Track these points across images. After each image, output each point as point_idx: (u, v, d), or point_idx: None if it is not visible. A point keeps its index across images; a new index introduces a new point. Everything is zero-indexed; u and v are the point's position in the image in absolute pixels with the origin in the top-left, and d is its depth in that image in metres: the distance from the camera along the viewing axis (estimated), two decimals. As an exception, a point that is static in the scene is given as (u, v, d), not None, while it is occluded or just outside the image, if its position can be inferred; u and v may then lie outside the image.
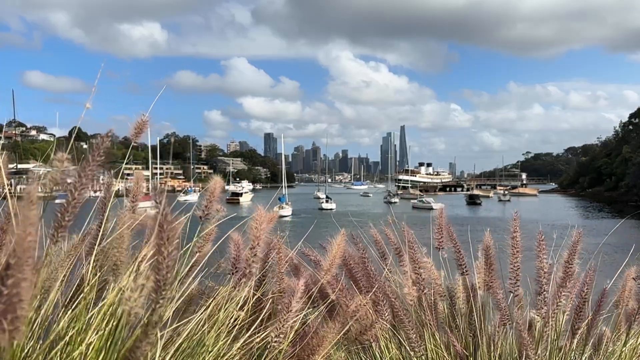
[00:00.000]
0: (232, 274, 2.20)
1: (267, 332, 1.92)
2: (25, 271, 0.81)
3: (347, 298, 2.46)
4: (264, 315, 2.20)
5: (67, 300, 1.80)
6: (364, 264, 2.65)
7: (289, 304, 1.84)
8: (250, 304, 2.09)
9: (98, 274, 1.87)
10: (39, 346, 1.58)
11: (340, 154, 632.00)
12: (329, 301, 2.46)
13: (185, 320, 1.85)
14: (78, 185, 1.39)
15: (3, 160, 1.79)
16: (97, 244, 1.93)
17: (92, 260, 1.87)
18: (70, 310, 1.73)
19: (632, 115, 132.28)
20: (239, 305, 2.03)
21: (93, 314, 1.70)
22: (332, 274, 2.51)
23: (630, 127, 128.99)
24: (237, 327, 1.96)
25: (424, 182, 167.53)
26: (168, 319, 1.81)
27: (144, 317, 1.14)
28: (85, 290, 1.79)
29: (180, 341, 1.80)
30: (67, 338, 1.62)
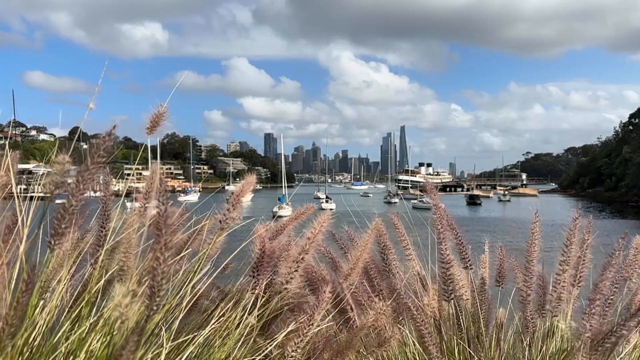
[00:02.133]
0: (254, 276, 2.13)
1: (275, 338, 1.88)
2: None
3: (366, 303, 2.28)
4: (272, 320, 2.15)
5: (71, 302, 1.79)
6: (386, 263, 2.46)
7: (312, 315, 1.74)
8: (258, 306, 2.03)
9: (102, 279, 1.85)
10: (42, 347, 1.57)
11: (341, 154, 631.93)
12: (345, 308, 2.32)
13: (192, 336, 1.82)
14: (76, 190, 1.34)
15: (12, 158, 1.77)
16: (102, 246, 1.90)
17: (98, 265, 1.85)
18: (74, 314, 1.72)
19: (632, 116, 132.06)
20: (248, 310, 1.98)
21: (96, 318, 1.68)
22: (352, 280, 2.30)
23: (630, 127, 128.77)
24: (245, 333, 1.92)
25: (424, 182, 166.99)
26: (177, 320, 1.79)
27: (139, 324, 1.11)
28: (89, 293, 1.78)
29: (189, 352, 1.78)
30: (69, 341, 1.62)
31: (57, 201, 1.47)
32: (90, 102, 1.91)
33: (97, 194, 2.03)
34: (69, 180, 1.38)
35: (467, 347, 2.36)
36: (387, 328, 1.94)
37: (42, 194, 1.75)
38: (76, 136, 2.12)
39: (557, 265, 2.27)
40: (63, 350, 1.58)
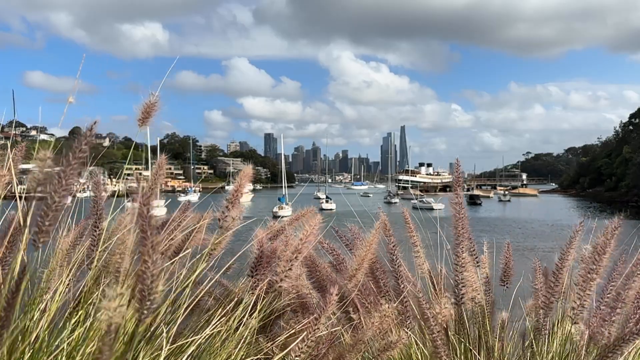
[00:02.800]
0: (252, 276, 2.11)
1: (277, 339, 1.86)
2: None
3: (371, 306, 2.25)
4: (274, 320, 2.12)
5: (73, 303, 1.79)
6: (395, 264, 2.40)
7: (318, 317, 1.71)
8: (259, 307, 2.01)
9: (99, 280, 1.84)
10: (43, 347, 1.57)
11: (341, 154, 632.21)
12: (350, 309, 2.29)
13: (191, 339, 1.81)
14: (59, 186, 1.29)
15: (18, 152, 1.76)
16: (96, 247, 1.89)
17: (94, 266, 1.84)
18: (74, 316, 1.71)
19: (632, 116, 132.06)
20: (249, 311, 1.97)
21: (92, 322, 1.68)
22: (357, 280, 2.26)
23: (631, 127, 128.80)
24: (246, 335, 1.90)
25: (424, 183, 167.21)
26: (178, 318, 1.78)
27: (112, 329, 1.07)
28: (86, 294, 1.77)
29: (188, 355, 1.77)
30: (70, 340, 1.61)
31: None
32: (69, 97, 1.87)
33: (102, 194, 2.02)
34: (52, 180, 1.32)
35: (470, 348, 2.35)
36: (393, 331, 1.90)
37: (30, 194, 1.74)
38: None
39: (586, 272, 2.18)
40: (65, 348, 1.58)
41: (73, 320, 1.71)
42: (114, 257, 1.86)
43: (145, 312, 1.10)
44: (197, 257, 2.06)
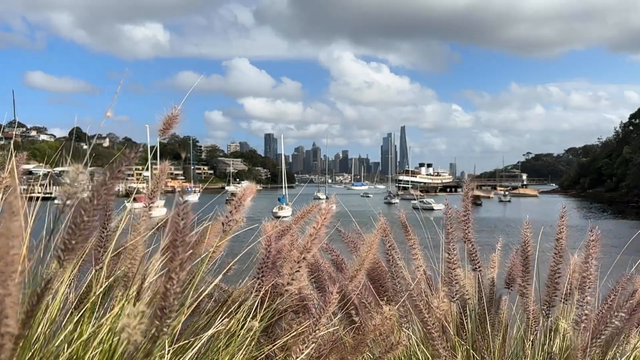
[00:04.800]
0: (258, 277, 2.06)
1: (278, 339, 1.85)
2: (9, 286, 0.76)
3: (371, 308, 2.24)
4: (275, 322, 2.11)
5: (75, 303, 1.78)
6: (393, 265, 2.40)
7: (318, 318, 1.69)
8: (262, 309, 1.98)
9: (105, 282, 1.83)
10: (44, 348, 1.57)
11: (341, 155, 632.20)
12: (350, 310, 2.26)
13: (193, 339, 1.80)
14: (90, 206, 1.12)
15: (18, 160, 1.75)
16: (105, 248, 1.88)
17: (104, 267, 1.83)
18: (76, 317, 1.71)
19: (632, 116, 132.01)
20: (251, 313, 1.94)
21: (97, 325, 1.67)
22: (357, 282, 2.23)
23: (631, 127, 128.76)
24: (249, 337, 1.89)
25: (425, 183, 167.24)
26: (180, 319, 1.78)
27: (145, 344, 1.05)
28: (92, 296, 1.77)
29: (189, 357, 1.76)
30: (72, 347, 1.61)
31: (56, 201, 1.44)
32: (108, 111, 1.84)
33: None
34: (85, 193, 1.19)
35: (470, 348, 2.35)
36: (394, 333, 1.88)
37: (42, 194, 1.73)
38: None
39: (552, 259, 2.32)
40: (65, 351, 1.57)
41: (75, 320, 1.70)
42: (125, 262, 1.85)
43: (164, 329, 1.07)
44: (199, 259, 2.05)
